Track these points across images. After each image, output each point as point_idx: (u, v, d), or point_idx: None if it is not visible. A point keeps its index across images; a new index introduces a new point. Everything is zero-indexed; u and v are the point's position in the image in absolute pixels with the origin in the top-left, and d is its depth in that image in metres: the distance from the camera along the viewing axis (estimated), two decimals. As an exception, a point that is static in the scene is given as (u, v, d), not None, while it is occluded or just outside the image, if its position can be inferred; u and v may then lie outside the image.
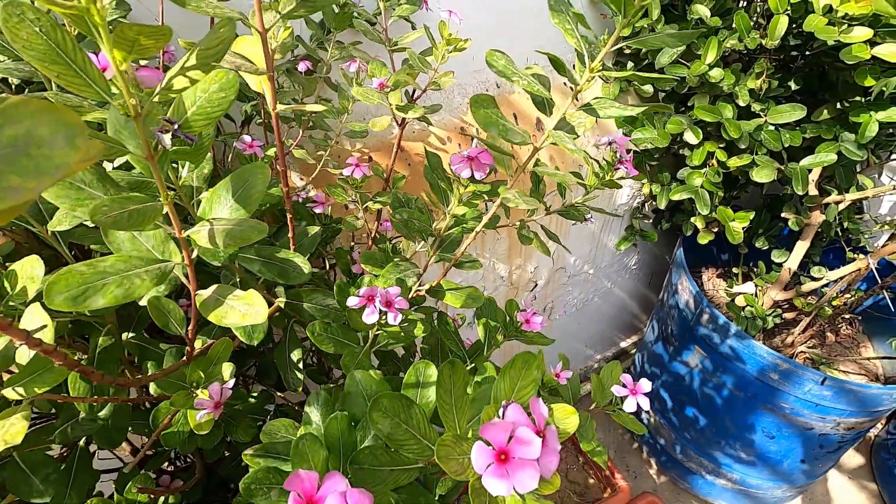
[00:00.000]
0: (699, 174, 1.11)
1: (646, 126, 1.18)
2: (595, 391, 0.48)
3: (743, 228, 1.21)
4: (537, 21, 1.09)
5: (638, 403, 0.46)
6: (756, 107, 1.02)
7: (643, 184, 1.29)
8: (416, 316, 0.51)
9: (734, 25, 0.99)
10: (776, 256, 1.32)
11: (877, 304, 1.41)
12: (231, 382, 0.45)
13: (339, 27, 0.68)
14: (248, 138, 0.68)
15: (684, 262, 1.33)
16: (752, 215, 1.18)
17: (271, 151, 0.72)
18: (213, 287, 0.33)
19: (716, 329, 1.22)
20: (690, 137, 1.07)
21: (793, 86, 1.03)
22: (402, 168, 1.05)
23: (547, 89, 0.42)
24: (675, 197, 1.13)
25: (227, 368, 0.42)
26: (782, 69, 1.08)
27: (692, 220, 1.22)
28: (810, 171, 1.06)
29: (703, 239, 1.22)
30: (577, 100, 0.43)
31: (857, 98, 0.95)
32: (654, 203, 1.41)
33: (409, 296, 0.60)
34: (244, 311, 0.31)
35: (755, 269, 1.44)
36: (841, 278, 1.13)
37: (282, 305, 0.55)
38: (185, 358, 0.42)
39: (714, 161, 1.06)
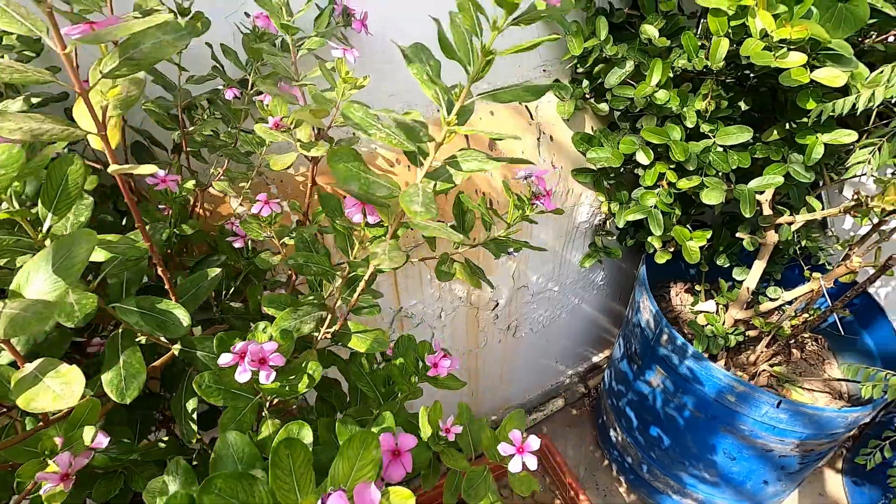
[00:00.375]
0: (652, 194, 1.09)
1: (603, 146, 1.17)
2: (488, 448, 0.47)
3: (701, 247, 1.20)
4: (502, 39, 1.08)
5: (524, 463, 0.44)
6: (706, 127, 1.01)
7: (601, 202, 1.28)
8: (313, 366, 0.49)
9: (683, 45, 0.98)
10: (737, 274, 1.30)
11: (841, 321, 1.39)
12: (104, 441, 0.43)
13: (255, 57, 0.67)
14: (161, 172, 0.66)
15: (646, 280, 1.31)
16: (709, 234, 1.16)
17: (190, 184, 0.70)
18: (39, 361, 0.31)
19: (674, 350, 1.20)
20: (642, 158, 1.06)
21: (743, 106, 1.02)
22: (347, 191, 1.03)
23: (417, 137, 0.40)
24: (629, 217, 1.11)
25: (89, 433, 0.40)
26: (737, 88, 1.07)
27: (649, 239, 1.20)
28: (762, 192, 1.05)
29: (661, 258, 1.21)
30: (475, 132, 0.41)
31: (804, 119, 0.94)
32: (614, 221, 1.39)
33: (320, 336, 0.58)
34: (59, 391, 0.29)
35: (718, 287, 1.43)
36: (796, 298, 1.11)
37: (176, 353, 0.53)
38: (41, 423, 0.40)
39: (664, 182, 1.05)
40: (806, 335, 1.41)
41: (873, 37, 0.92)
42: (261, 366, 0.41)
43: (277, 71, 0.63)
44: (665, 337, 1.22)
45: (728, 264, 1.32)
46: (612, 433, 1.59)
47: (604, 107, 1.17)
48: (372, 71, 0.97)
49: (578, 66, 1.16)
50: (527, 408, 1.84)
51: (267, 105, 0.64)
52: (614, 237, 1.46)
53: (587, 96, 1.20)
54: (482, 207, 0.66)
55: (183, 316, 0.45)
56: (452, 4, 0.98)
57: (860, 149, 0.76)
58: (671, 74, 1.04)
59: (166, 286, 0.46)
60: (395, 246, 0.42)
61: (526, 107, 1.19)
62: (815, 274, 1.10)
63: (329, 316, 0.55)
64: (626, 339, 1.46)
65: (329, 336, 0.57)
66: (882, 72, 0.72)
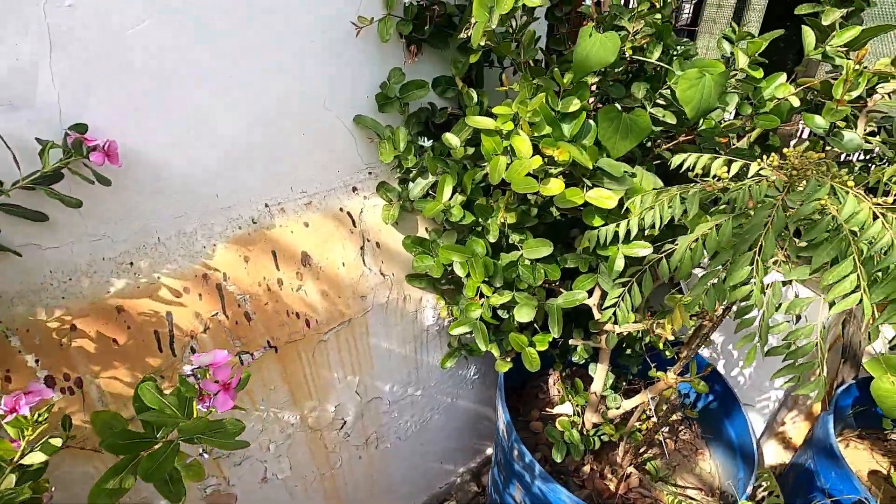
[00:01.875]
0: (476, 305, 1.02)
1: (430, 252, 1.09)
2: None
3: (553, 344, 1.13)
4: (310, 140, 1.00)
5: None
6: (515, 238, 0.95)
7: (442, 306, 1.20)
8: None
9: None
10: (592, 370, 1.24)
11: (707, 407, 1.35)
12: None
13: None
14: None
15: (502, 385, 1.23)
16: (549, 338, 1.09)
17: None
18: None
19: (524, 467, 1.10)
20: (458, 269, 0.99)
21: (555, 213, 0.98)
22: (120, 334, 0.89)
23: None
24: (456, 331, 1.03)
25: None
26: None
27: (488, 346, 1.12)
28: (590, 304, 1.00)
29: (501, 367, 1.13)
30: None
31: (606, 229, 0.90)
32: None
33: None
34: None
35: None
36: (636, 407, 1.05)
37: None
38: None
39: (478, 296, 0.98)
40: (665, 429, 1.35)
41: (661, 145, 0.91)
42: None
43: None
44: (516, 452, 1.12)
45: (583, 360, 1.25)
46: (496, 545, 1.46)
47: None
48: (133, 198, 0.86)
49: (398, 170, 1.11)
50: (413, 517, 1.68)
51: None
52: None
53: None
54: (171, 399, 0.54)
55: None
56: (208, 123, 0.88)
57: (613, 292, 0.71)
58: (481, 184, 0.99)
59: None
60: None
61: (348, 213, 1.11)
62: (660, 374, 1.04)
63: None
64: (495, 444, 1.36)
65: None
66: (633, 200, 0.68)
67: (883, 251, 0.48)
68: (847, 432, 1.38)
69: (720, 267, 0.53)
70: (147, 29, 0.77)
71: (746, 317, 0.55)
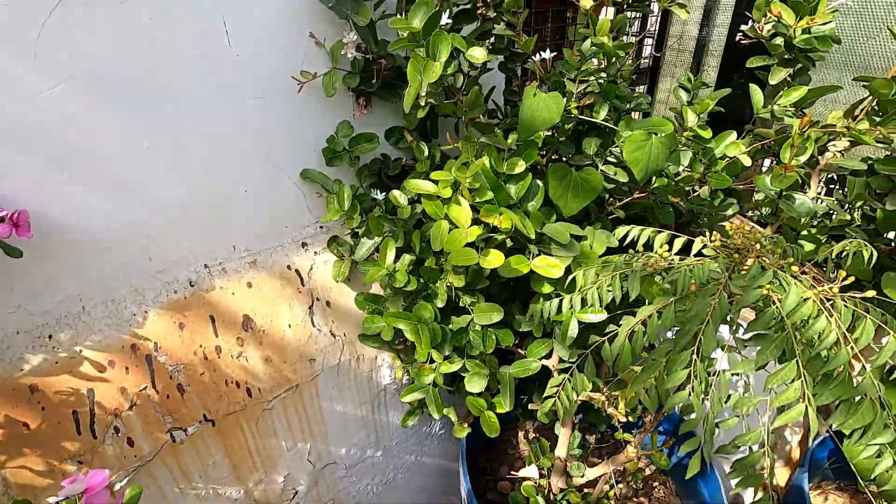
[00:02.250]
0: (429, 370, 0.96)
1: (381, 313, 1.04)
2: None
3: (518, 400, 1.07)
4: (253, 196, 0.95)
5: None
6: (466, 300, 0.90)
7: (398, 365, 1.14)
8: None
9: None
10: (557, 429, 1.18)
11: (681, 463, 1.29)
12: None
13: None
14: None
15: (464, 449, 1.16)
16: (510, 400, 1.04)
17: None
18: None
19: (486, 542, 1.03)
20: (408, 335, 0.93)
21: (509, 270, 0.94)
22: (32, 417, 0.82)
23: None
24: (408, 398, 0.97)
25: None
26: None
27: (444, 411, 1.06)
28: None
29: (459, 433, 1.06)
30: None
31: (559, 292, 0.86)
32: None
33: None
34: None
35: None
36: (601, 476, 0.99)
37: None
38: None
39: (429, 362, 0.92)
40: (653, 481, 1.29)
41: (616, 202, 0.88)
42: None
43: None
44: (477, 524, 1.05)
45: (548, 419, 1.19)
46: None
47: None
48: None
49: (347, 225, 1.06)
50: (379, 584, 1.57)
51: None
52: (436, 390, 1.31)
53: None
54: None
55: None
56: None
57: (553, 381, 0.66)
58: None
59: None
60: None
61: (297, 270, 1.06)
62: (626, 435, 0.98)
63: None
64: (459, 507, 1.28)
65: None
66: (574, 275, 0.64)
67: (829, 348, 0.44)
68: (825, 485, 1.33)
69: (662, 360, 0.49)
70: (63, 92, 0.72)
71: (692, 416, 0.51)
